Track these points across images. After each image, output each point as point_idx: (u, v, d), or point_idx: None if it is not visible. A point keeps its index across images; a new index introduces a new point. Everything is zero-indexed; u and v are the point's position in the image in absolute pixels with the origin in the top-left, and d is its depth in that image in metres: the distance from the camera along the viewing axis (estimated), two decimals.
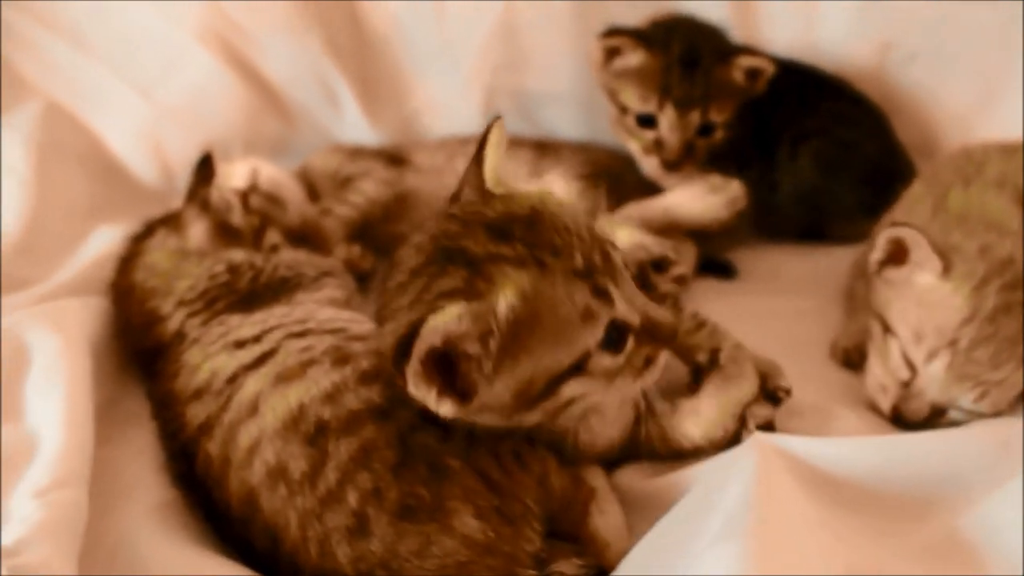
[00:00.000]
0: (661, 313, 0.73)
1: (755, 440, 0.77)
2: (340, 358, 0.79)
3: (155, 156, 1.40)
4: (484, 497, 0.71)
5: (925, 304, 0.90)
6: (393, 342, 0.67)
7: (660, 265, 1.02)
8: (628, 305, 0.70)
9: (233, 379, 0.80)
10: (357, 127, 1.43)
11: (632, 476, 0.85)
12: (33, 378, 0.86)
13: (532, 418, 0.72)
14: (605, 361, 0.70)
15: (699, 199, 1.18)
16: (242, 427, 0.76)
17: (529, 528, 0.72)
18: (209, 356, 0.85)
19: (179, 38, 1.37)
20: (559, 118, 1.44)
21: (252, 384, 0.79)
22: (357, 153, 1.33)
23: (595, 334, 0.68)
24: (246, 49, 1.38)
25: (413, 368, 0.64)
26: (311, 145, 1.41)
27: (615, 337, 0.70)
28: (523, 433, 0.75)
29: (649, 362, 0.73)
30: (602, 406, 0.79)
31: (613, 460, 0.85)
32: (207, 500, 0.78)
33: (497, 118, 0.78)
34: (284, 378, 0.78)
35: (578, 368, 0.69)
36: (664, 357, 0.74)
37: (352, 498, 0.70)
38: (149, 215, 1.13)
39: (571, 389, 0.70)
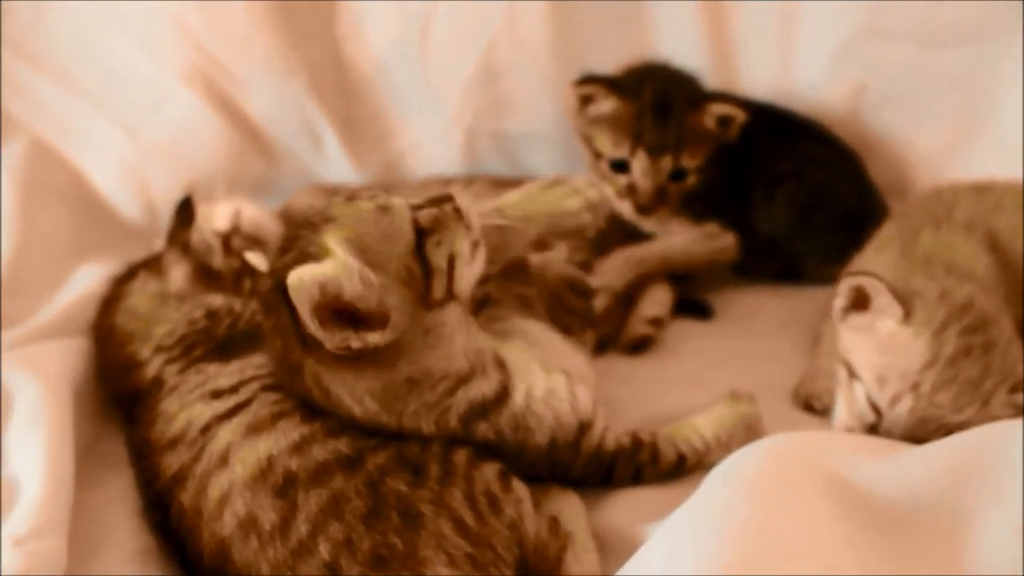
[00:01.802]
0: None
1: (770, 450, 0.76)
2: (310, 411, 0.80)
3: (139, 194, 1.41)
4: (456, 545, 0.72)
5: (887, 349, 0.92)
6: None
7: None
8: None
9: (206, 429, 0.81)
10: (340, 168, 1.45)
11: (619, 517, 0.85)
12: (14, 425, 0.87)
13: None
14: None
15: (695, 245, 1.21)
16: (213, 478, 0.77)
17: None
18: (186, 405, 0.86)
19: (164, 77, 1.38)
20: (539, 159, 1.46)
21: (224, 435, 0.79)
22: (339, 194, 1.34)
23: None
24: (230, 89, 1.40)
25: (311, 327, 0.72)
26: (294, 185, 1.42)
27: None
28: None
29: None
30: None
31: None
32: (182, 550, 0.78)
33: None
34: (254, 429, 0.79)
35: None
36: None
37: (324, 549, 0.71)
38: (132, 254, 1.14)
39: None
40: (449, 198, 0.82)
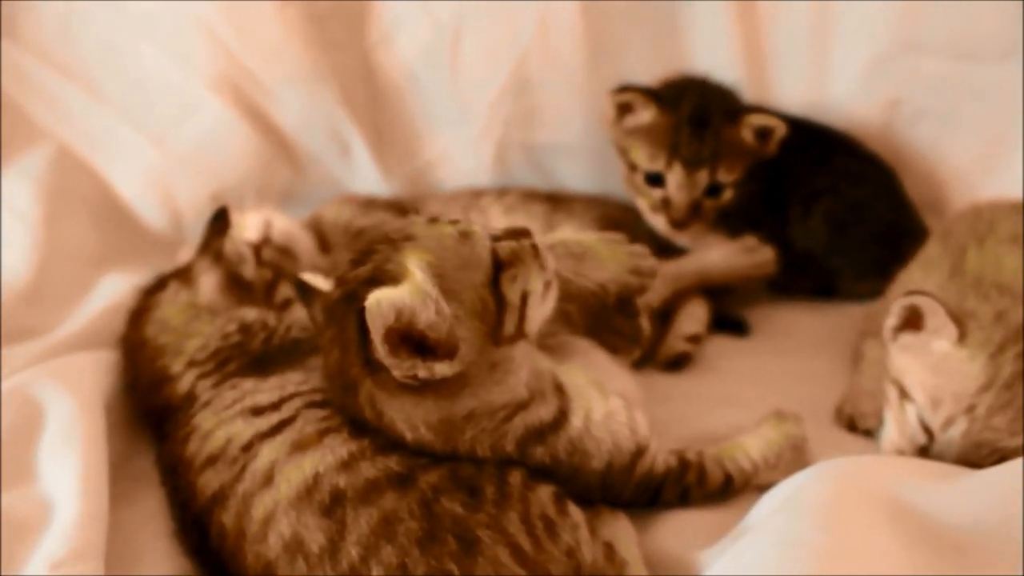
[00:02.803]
0: None
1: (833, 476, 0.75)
2: (359, 429, 0.78)
3: (165, 204, 1.39)
4: (513, 572, 0.69)
5: (942, 371, 0.90)
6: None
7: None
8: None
9: (248, 447, 0.79)
10: (369, 178, 1.43)
11: (669, 542, 0.83)
12: (47, 441, 0.85)
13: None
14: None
15: (732, 260, 1.19)
16: (256, 498, 0.74)
17: None
18: (223, 422, 0.83)
19: (192, 86, 1.36)
20: (571, 171, 1.44)
21: (267, 453, 0.77)
22: (369, 204, 1.32)
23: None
24: (259, 98, 1.38)
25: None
26: (322, 195, 1.40)
27: None
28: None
29: None
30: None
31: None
32: (221, 573, 0.75)
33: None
34: (299, 447, 0.76)
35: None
36: None
37: (376, 574, 0.68)
38: (157, 264, 1.12)
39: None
40: (527, 232, 0.80)
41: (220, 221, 1.10)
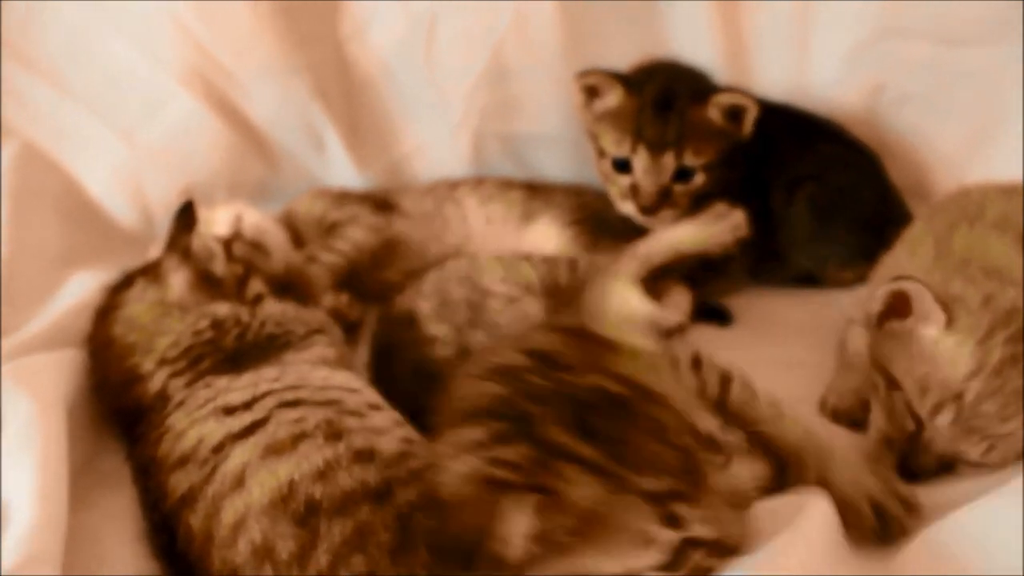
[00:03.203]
0: (737, 529, 0.67)
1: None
2: (333, 433, 0.75)
3: (135, 200, 1.36)
4: None
5: (929, 357, 0.88)
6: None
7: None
8: (707, 523, 0.63)
9: (219, 448, 0.76)
10: (344, 172, 1.41)
11: None
12: (4, 445, 0.81)
13: None
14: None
15: (703, 229, 1.16)
16: (227, 501, 0.72)
17: None
18: (196, 421, 0.81)
19: (162, 80, 1.34)
20: (549, 161, 1.42)
21: (239, 455, 0.75)
22: (343, 198, 1.30)
23: (652, 559, 0.61)
24: (230, 91, 1.35)
25: None
26: (295, 189, 1.38)
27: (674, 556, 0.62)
28: None
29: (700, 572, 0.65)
30: None
31: None
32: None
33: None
34: (273, 451, 0.74)
35: None
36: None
37: None
38: (127, 261, 1.09)
39: None
40: None
41: (186, 216, 1.07)
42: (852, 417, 1.00)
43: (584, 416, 0.63)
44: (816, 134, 1.32)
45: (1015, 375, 0.84)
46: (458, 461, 0.65)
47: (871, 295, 0.95)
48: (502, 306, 0.98)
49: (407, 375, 0.96)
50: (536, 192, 1.29)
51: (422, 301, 1.02)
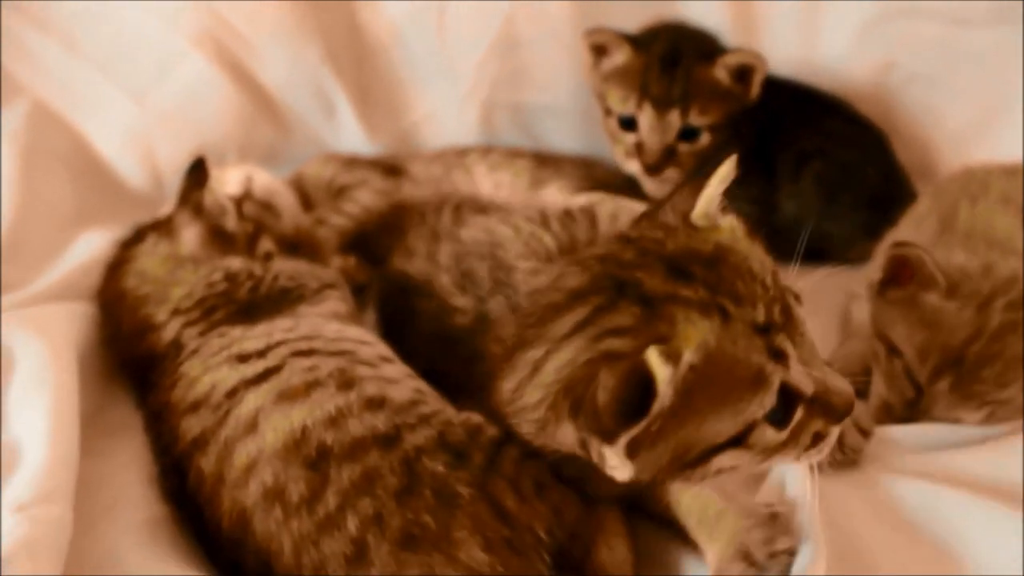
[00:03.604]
0: (839, 383, 0.64)
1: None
2: (345, 381, 0.76)
3: (145, 161, 1.36)
4: (494, 528, 0.67)
5: (929, 323, 0.89)
6: (579, 391, 0.59)
7: None
8: (803, 370, 0.62)
9: (233, 393, 0.77)
10: (353, 137, 1.41)
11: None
12: (17, 386, 0.82)
13: (672, 482, 0.67)
14: (768, 434, 0.62)
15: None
16: (239, 444, 0.73)
17: (539, 560, 0.68)
18: (209, 368, 0.81)
19: (174, 41, 1.33)
20: (558, 132, 1.42)
21: (252, 400, 0.75)
22: (353, 162, 1.30)
23: (764, 402, 0.60)
24: (242, 54, 1.35)
25: (624, 436, 0.56)
26: (305, 154, 1.38)
27: (783, 406, 0.61)
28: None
29: (818, 439, 0.64)
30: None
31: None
32: (198, 518, 0.74)
33: (731, 154, 0.70)
34: (287, 397, 0.75)
35: (739, 439, 0.61)
36: (836, 434, 0.66)
37: (352, 524, 0.67)
38: (137, 221, 1.09)
39: (724, 460, 0.62)
40: None
41: (198, 172, 1.08)
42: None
43: (679, 266, 0.62)
44: (823, 110, 1.32)
45: (1014, 341, 0.86)
46: (559, 353, 0.63)
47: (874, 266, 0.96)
48: (525, 278, 0.98)
49: (424, 341, 0.95)
50: (544, 163, 1.30)
51: (442, 274, 0.99)
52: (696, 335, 0.58)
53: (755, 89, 1.20)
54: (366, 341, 0.87)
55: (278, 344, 0.82)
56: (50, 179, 1.27)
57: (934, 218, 1.02)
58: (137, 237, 1.04)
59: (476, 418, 0.76)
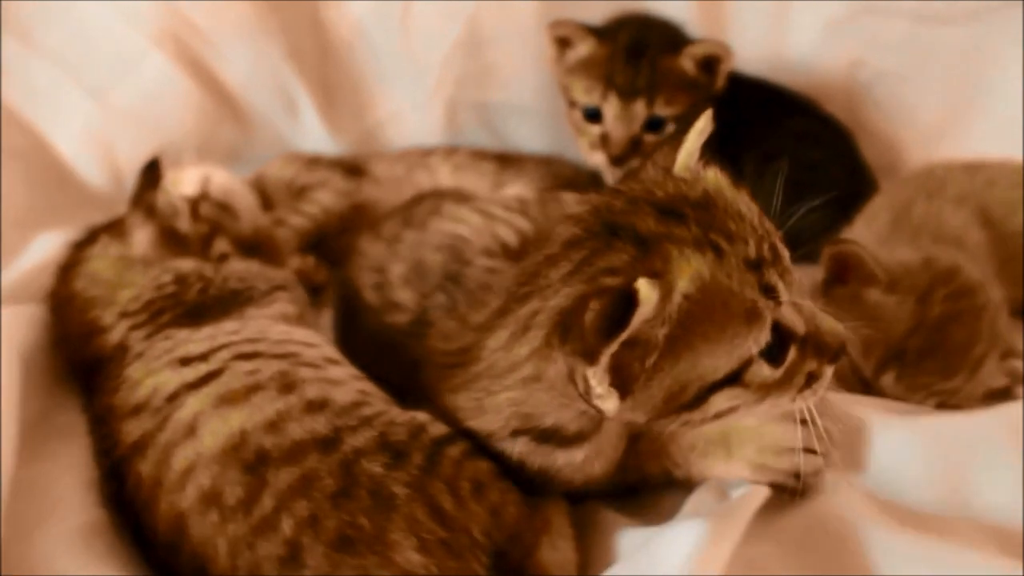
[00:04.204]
0: (830, 323, 0.66)
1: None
2: (287, 384, 0.75)
3: (105, 160, 1.35)
4: (430, 529, 0.67)
5: (872, 319, 0.89)
6: (568, 319, 0.59)
7: None
8: (794, 309, 0.63)
9: (173, 397, 0.76)
10: (316, 137, 1.40)
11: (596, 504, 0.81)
12: None
13: (668, 427, 0.66)
14: (763, 372, 0.63)
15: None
16: (178, 449, 0.72)
17: (476, 562, 0.68)
18: (152, 372, 0.81)
19: (134, 39, 1.32)
20: (523, 131, 1.42)
21: (192, 404, 0.75)
22: (314, 162, 1.30)
23: (759, 338, 0.61)
24: (204, 52, 1.34)
25: (607, 356, 0.57)
26: (268, 153, 1.37)
27: (777, 345, 0.62)
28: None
29: (812, 379, 0.66)
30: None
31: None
32: (135, 523, 0.73)
33: (707, 109, 0.71)
34: (227, 400, 0.74)
35: (735, 377, 0.62)
36: (829, 375, 0.67)
37: (287, 526, 0.66)
38: (96, 222, 1.08)
39: (722, 400, 0.63)
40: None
41: (151, 173, 1.07)
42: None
43: (670, 209, 0.63)
44: (789, 110, 1.32)
45: (956, 331, 0.85)
46: (554, 299, 0.63)
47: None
48: (479, 275, 0.97)
49: (364, 342, 0.94)
50: (508, 163, 1.29)
51: (396, 263, 0.98)
52: (690, 269, 0.59)
53: (721, 79, 1.19)
54: (312, 343, 0.87)
55: (221, 347, 0.81)
56: (8, 178, 1.26)
57: (887, 215, 1.02)
58: (90, 238, 1.03)
59: (421, 417, 0.76)
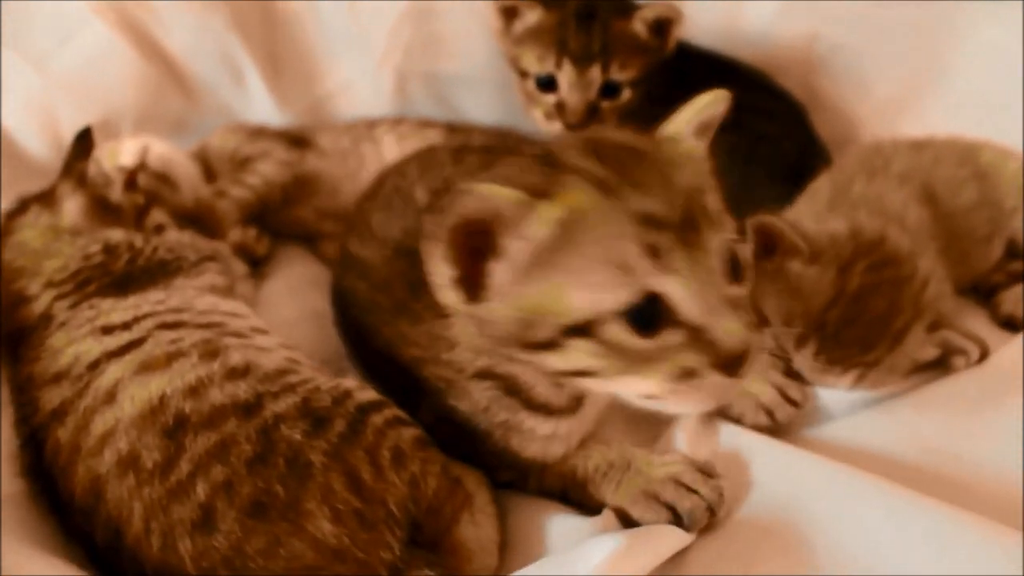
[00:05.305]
0: (734, 328, 0.60)
1: None
2: (210, 352, 0.75)
3: (46, 131, 1.32)
4: (345, 500, 0.67)
5: (794, 290, 0.88)
6: (436, 205, 0.63)
7: None
8: (693, 292, 0.60)
9: (95, 365, 0.76)
10: (264, 107, 1.38)
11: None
12: None
13: (527, 361, 0.65)
14: (623, 336, 0.60)
15: None
16: (97, 415, 0.72)
17: (389, 534, 0.68)
18: (74, 340, 0.81)
19: (74, 7, 1.29)
20: (473, 102, 1.40)
21: (113, 371, 0.74)
22: (258, 133, 1.28)
23: (620, 296, 0.59)
24: (146, 20, 1.31)
25: (445, 229, 0.60)
26: (214, 124, 1.35)
27: (650, 315, 0.60)
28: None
29: (688, 375, 0.60)
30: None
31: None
32: (52, 491, 0.73)
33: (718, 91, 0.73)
34: (147, 367, 0.74)
35: (588, 328, 0.60)
36: (718, 383, 0.60)
37: (201, 490, 0.66)
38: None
39: (580, 354, 0.61)
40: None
41: (83, 142, 1.05)
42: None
43: (599, 149, 0.63)
44: (741, 83, 1.29)
45: (876, 301, 0.84)
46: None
47: None
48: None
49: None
50: (455, 133, 1.28)
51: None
52: (572, 200, 0.60)
53: (672, 42, 1.18)
54: (239, 314, 0.86)
55: (145, 316, 0.81)
56: None
57: (827, 190, 1.01)
58: (20, 208, 1.01)
59: (349, 383, 0.76)
